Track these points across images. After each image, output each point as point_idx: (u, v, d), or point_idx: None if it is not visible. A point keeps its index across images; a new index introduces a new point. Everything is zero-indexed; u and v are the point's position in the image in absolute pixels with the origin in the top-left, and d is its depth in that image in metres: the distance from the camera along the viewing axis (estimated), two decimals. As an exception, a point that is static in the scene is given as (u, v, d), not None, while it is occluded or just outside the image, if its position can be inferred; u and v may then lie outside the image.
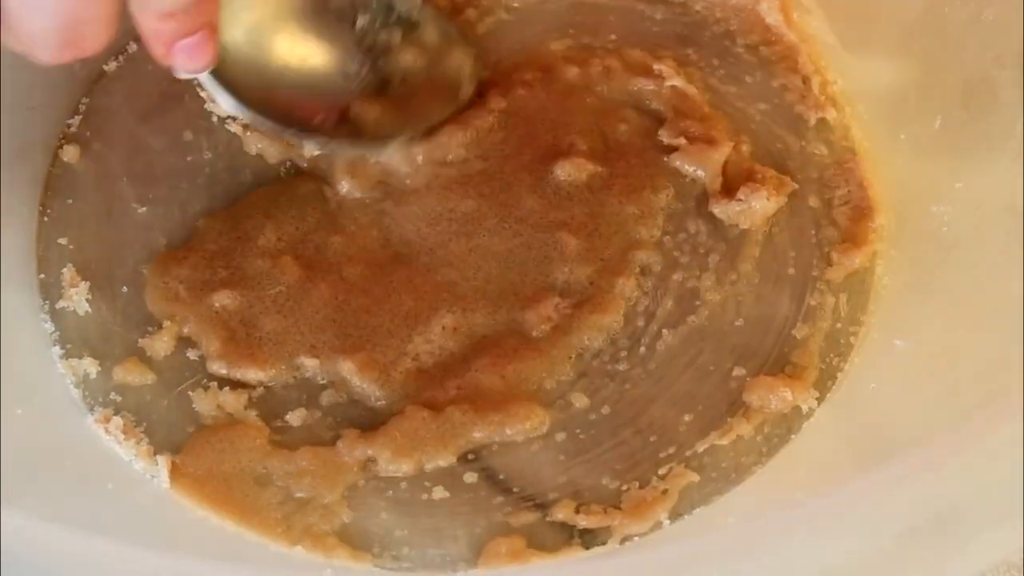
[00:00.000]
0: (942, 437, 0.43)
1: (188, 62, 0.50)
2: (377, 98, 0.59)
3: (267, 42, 0.57)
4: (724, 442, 0.54)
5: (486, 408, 0.54)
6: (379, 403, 0.55)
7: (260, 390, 0.56)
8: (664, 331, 0.57)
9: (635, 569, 0.50)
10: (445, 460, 0.54)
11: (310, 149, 0.60)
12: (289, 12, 0.58)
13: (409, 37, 0.61)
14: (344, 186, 0.59)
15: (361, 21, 0.59)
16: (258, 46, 0.56)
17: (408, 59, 0.61)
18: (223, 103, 0.55)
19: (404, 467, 0.53)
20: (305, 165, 0.61)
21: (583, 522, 0.52)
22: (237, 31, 0.55)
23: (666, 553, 0.51)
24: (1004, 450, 0.42)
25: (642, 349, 0.57)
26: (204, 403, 0.55)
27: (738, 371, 0.56)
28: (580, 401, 0.56)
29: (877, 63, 0.61)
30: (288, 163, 0.61)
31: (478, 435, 0.54)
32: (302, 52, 0.58)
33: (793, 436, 0.54)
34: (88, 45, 0.45)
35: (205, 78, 0.53)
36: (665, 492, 0.53)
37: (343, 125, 0.58)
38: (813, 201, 0.60)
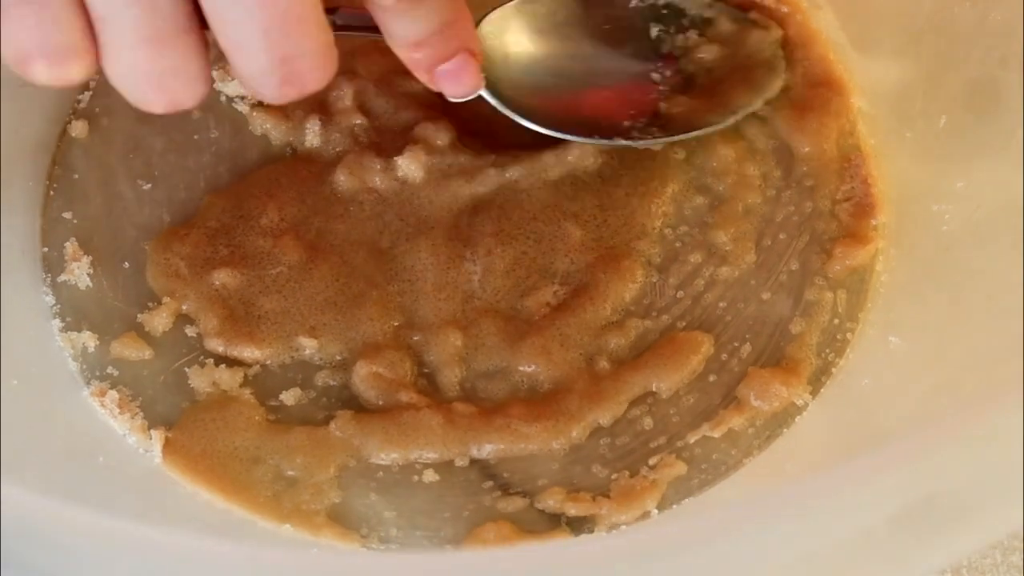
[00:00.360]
0: (932, 425, 0.43)
1: (453, 87, 0.51)
2: (685, 93, 0.61)
3: (558, 66, 0.60)
4: (715, 434, 0.54)
5: (493, 413, 0.55)
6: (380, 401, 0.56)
7: (256, 368, 0.56)
8: (663, 319, 0.57)
9: (622, 553, 0.50)
10: (438, 456, 0.54)
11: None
12: (577, 35, 0.60)
13: (706, 33, 0.62)
14: (342, 181, 0.59)
15: (655, 30, 0.62)
16: (549, 70, 0.59)
17: (710, 53, 0.62)
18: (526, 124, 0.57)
19: (393, 455, 0.53)
20: (308, 146, 0.61)
21: (571, 510, 0.52)
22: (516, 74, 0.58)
23: (653, 538, 0.51)
24: (997, 435, 0.41)
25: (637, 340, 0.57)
26: (200, 380, 0.55)
27: (732, 364, 0.56)
28: (574, 390, 0.56)
29: (885, 61, 0.61)
30: (290, 147, 0.61)
31: (486, 445, 0.54)
32: (601, 68, 0.61)
33: (785, 430, 0.54)
34: (309, 80, 0.44)
35: (497, 104, 0.56)
36: (654, 482, 0.53)
37: (653, 123, 0.60)
38: (816, 196, 0.60)
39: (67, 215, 0.60)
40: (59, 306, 0.57)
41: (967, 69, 0.56)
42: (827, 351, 0.56)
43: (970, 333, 0.52)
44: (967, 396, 0.47)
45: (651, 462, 0.54)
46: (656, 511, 0.52)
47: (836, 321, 0.57)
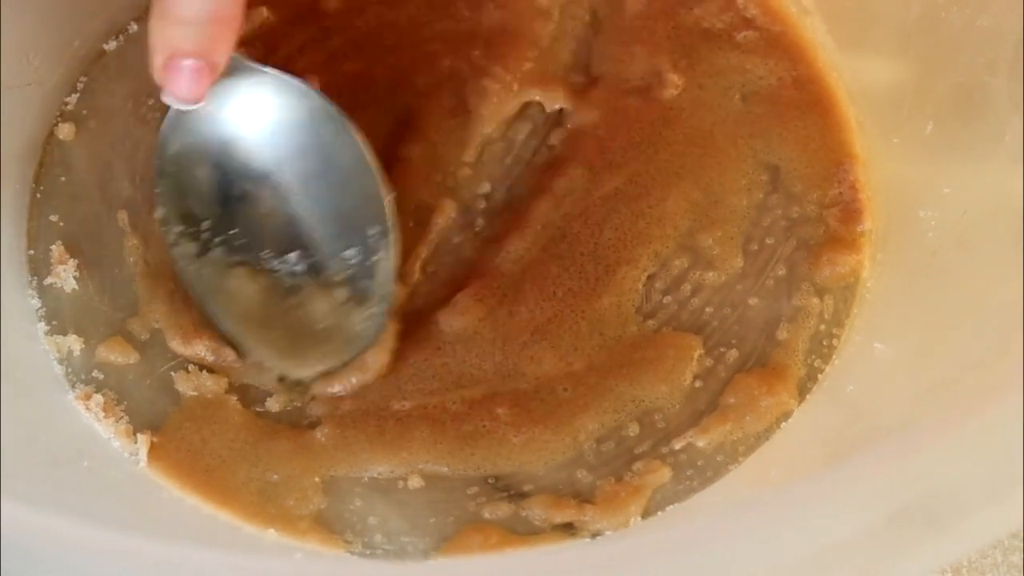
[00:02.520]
0: (918, 431, 0.43)
1: (179, 85, 0.49)
2: (264, 285, 0.56)
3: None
4: (701, 442, 0.54)
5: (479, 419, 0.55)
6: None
7: (239, 375, 0.56)
8: (648, 324, 0.57)
9: (607, 559, 0.50)
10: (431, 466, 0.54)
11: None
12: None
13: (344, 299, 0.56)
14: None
15: (350, 252, 0.55)
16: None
17: (320, 304, 0.56)
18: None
19: (379, 469, 0.54)
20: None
21: (556, 516, 0.52)
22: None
23: (638, 544, 0.51)
24: (982, 440, 0.42)
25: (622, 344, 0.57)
26: (185, 385, 0.55)
27: (719, 370, 0.56)
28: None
29: (872, 67, 0.61)
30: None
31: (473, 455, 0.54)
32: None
33: (771, 436, 0.54)
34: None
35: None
36: (639, 488, 0.53)
37: (216, 266, 0.56)
38: (803, 201, 0.60)
39: (54, 218, 0.59)
40: (44, 309, 0.57)
41: (954, 74, 0.56)
42: (813, 357, 0.56)
43: (956, 339, 0.52)
44: (952, 402, 0.47)
45: (635, 467, 0.54)
46: (640, 518, 0.52)
47: (822, 327, 0.57)
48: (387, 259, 0.54)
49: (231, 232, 0.55)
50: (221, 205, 0.55)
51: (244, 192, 0.55)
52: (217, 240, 0.55)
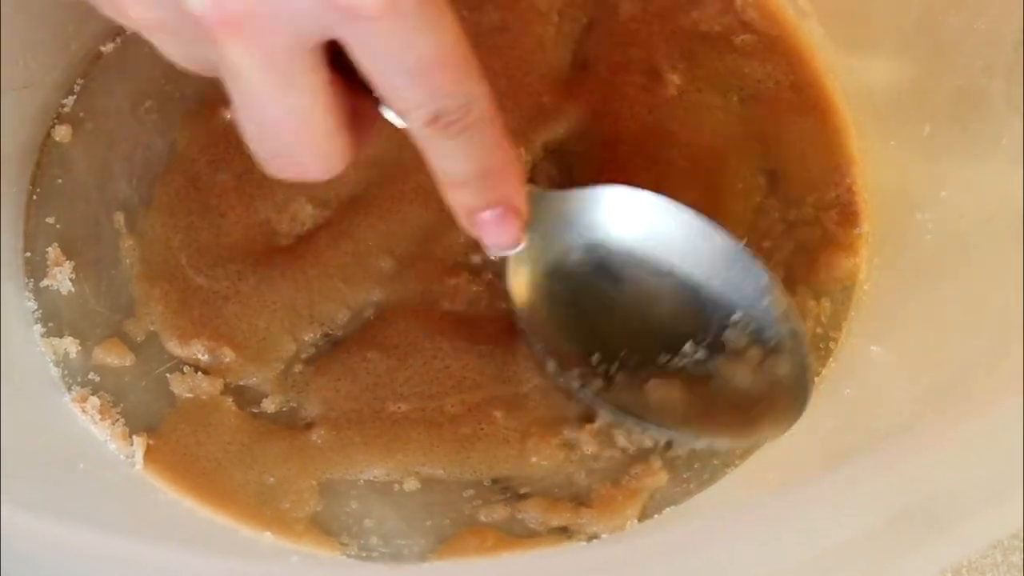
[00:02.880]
0: (914, 434, 0.44)
1: (490, 236, 0.49)
2: (682, 385, 0.54)
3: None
4: (699, 445, 0.54)
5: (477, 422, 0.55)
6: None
7: (236, 376, 0.56)
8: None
9: (603, 563, 0.50)
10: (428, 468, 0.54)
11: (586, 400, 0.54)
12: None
13: (762, 356, 0.54)
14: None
15: (736, 317, 0.54)
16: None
17: (741, 374, 0.54)
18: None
19: (375, 471, 0.54)
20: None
21: (553, 520, 0.52)
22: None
23: (636, 545, 0.51)
24: (978, 443, 0.42)
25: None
26: (181, 387, 0.55)
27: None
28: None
29: (871, 69, 0.61)
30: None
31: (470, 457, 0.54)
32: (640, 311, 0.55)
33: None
34: (311, 173, 0.44)
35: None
36: (635, 492, 0.53)
37: (626, 387, 0.54)
38: (801, 204, 0.60)
39: (50, 220, 0.59)
40: (41, 311, 0.57)
41: (952, 77, 0.56)
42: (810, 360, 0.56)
43: (953, 342, 0.51)
44: (950, 404, 0.47)
45: (633, 470, 0.53)
46: (637, 520, 0.52)
47: (819, 330, 0.57)
48: (775, 298, 0.53)
49: (622, 354, 0.54)
50: (596, 330, 0.54)
51: (613, 308, 0.54)
52: (614, 367, 0.54)
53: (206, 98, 0.61)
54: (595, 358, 0.54)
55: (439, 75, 0.41)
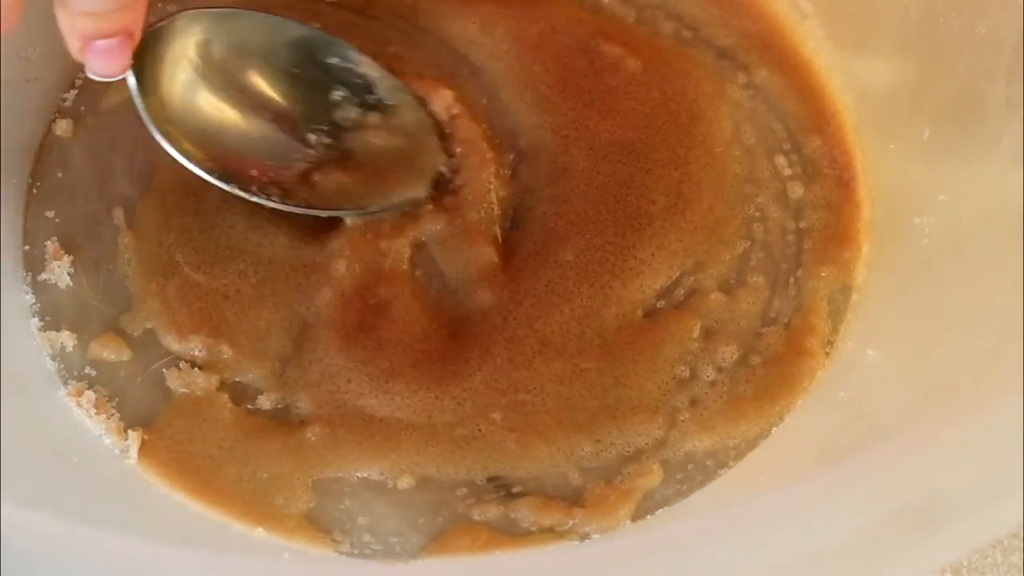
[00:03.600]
0: (908, 438, 0.44)
1: (101, 64, 0.49)
2: (338, 168, 0.58)
3: (217, 100, 0.57)
4: (691, 445, 0.54)
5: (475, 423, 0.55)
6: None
7: (232, 372, 0.56)
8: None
9: (595, 562, 0.50)
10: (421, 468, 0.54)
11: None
12: (256, 66, 0.58)
13: (387, 118, 0.60)
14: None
15: (337, 95, 0.59)
16: (206, 103, 0.57)
17: (376, 138, 0.59)
18: (170, 151, 0.55)
19: (369, 470, 0.54)
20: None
21: (545, 519, 0.52)
22: (180, 84, 0.56)
23: (628, 544, 0.51)
24: (972, 446, 0.42)
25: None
26: (176, 382, 0.55)
27: (709, 374, 0.56)
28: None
29: (872, 72, 0.61)
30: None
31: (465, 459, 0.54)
32: (258, 111, 0.58)
33: (761, 442, 0.54)
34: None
35: (149, 125, 0.54)
36: (629, 491, 0.53)
37: (300, 188, 0.58)
38: (801, 207, 0.60)
39: (50, 214, 0.59)
40: (38, 305, 0.57)
41: (952, 81, 0.56)
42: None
43: (949, 346, 0.51)
44: (945, 407, 0.47)
45: (627, 470, 0.53)
46: (630, 521, 0.52)
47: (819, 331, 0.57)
48: (365, 65, 0.59)
49: (270, 161, 0.58)
50: (238, 145, 0.57)
51: (239, 120, 0.57)
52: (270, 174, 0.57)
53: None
54: (253, 159, 0.57)
55: None
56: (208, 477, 0.53)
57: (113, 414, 0.55)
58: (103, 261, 0.58)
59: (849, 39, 0.62)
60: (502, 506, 0.53)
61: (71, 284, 0.58)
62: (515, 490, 0.53)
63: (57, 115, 0.62)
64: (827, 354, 0.56)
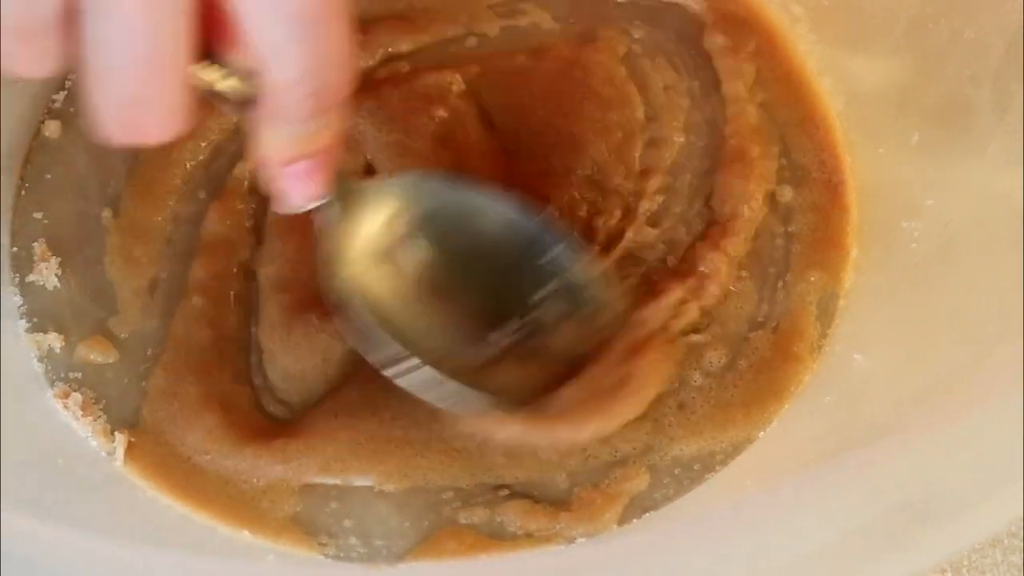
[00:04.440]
0: (894, 441, 0.44)
1: (301, 187, 0.45)
2: (516, 366, 0.53)
3: (401, 278, 0.52)
4: (678, 449, 0.54)
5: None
6: None
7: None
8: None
9: (583, 563, 0.50)
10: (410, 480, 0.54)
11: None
12: (456, 255, 0.53)
13: (579, 319, 0.54)
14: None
15: (541, 294, 0.54)
16: (387, 276, 0.52)
17: (569, 340, 0.54)
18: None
19: (361, 480, 0.53)
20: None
21: (531, 523, 0.52)
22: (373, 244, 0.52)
23: (616, 549, 0.51)
24: (958, 449, 0.42)
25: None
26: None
27: (696, 379, 0.56)
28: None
29: (861, 76, 0.61)
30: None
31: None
32: (442, 301, 0.53)
33: (748, 446, 0.54)
34: (152, 133, 0.39)
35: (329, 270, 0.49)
36: (615, 496, 0.52)
37: (471, 378, 0.51)
38: (789, 210, 0.60)
39: (38, 215, 0.59)
40: (26, 306, 0.57)
41: (941, 85, 0.56)
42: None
43: (936, 350, 0.52)
44: (931, 412, 0.47)
45: (613, 475, 0.53)
46: (616, 525, 0.52)
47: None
48: (578, 262, 0.54)
49: (449, 343, 0.53)
50: (418, 321, 0.52)
51: (431, 296, 0.53)
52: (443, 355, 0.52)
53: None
54: (424, 347, 0.50)
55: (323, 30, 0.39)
56: (194, 480, 0.53)
57: (100, 416, 0.54)
58: (91, 263, 0.58)
59: (839, 43, 0.62)
60: (489, 509, 0.53)
61: (59, 286, 0.58)
62: (502, 494, 0.53)
63: (46, 117, 0.62)
64: (815, 358, 0.56)
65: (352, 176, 0.54)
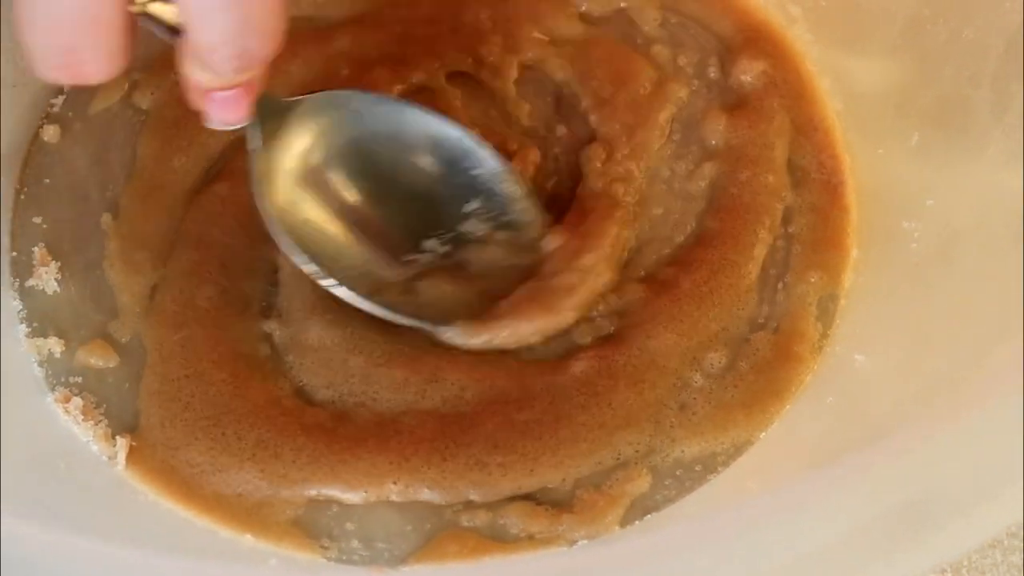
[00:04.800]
0: (895, 442, 0.44)
1: (219, 113, 0.48)
2: (447, 279, 0.57)
3: (337, 185, 0.56)
4: (679, 450, 0.54)
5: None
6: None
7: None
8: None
9: (586, 566, 0.50)
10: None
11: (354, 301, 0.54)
12: (387, 161, 0.57)
13: (509, 235, 0.58)
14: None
15: (470, 206, 0.57)
16: (322, 186, 0.56)
17: (494, 255, 0.57)
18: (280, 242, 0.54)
19: (353, 498, 0.53)
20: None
21: (534, 525, 0.52)
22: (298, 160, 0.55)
23: (617, 551, 0.51)
24: (960, 450, 0.42)
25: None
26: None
27: (698, 380, 0.56)
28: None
29: (860, 77, 0.61)
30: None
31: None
32: (376, 207, 0.56)
33: (750, 447, 0.54)
34: (88, 73, 0.43)
35: (259, 192, 0.53)
36: (616, 497, 0.52)
37: (401, 292, 0.56)
38: (790, 212, 0.60)
39: (37, 220, 0.59)
40: (26, 311, 0.57)
41: (939, 86, 0.56)
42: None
43: (937, 350, 0.52)
44: (930, 413, 0.47)
45: (615, 476, 0.53)
46: (619, 527, 0.52)
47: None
48: (510, 183, 0.57)
49: (375, 255, 0.56)
50: (347, 233, 0.56)
51: (357, 209, 0.56)
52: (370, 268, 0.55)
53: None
54: (351, 259, 0.55)
55: None
56: (195, 484, 0.53)
57: (100, 420, 0.54)
58: (90, 267, 0.58)
59: (837, 44, 0.62)
60: (491, 512, 0.53)
61: (58, 290, 0.58)
62: (504, 496, 0.53)
63: (45, 121, 0.62)
64: (816, 359, 0.56)
65: (278, 95, 0.55)
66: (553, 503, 0.53)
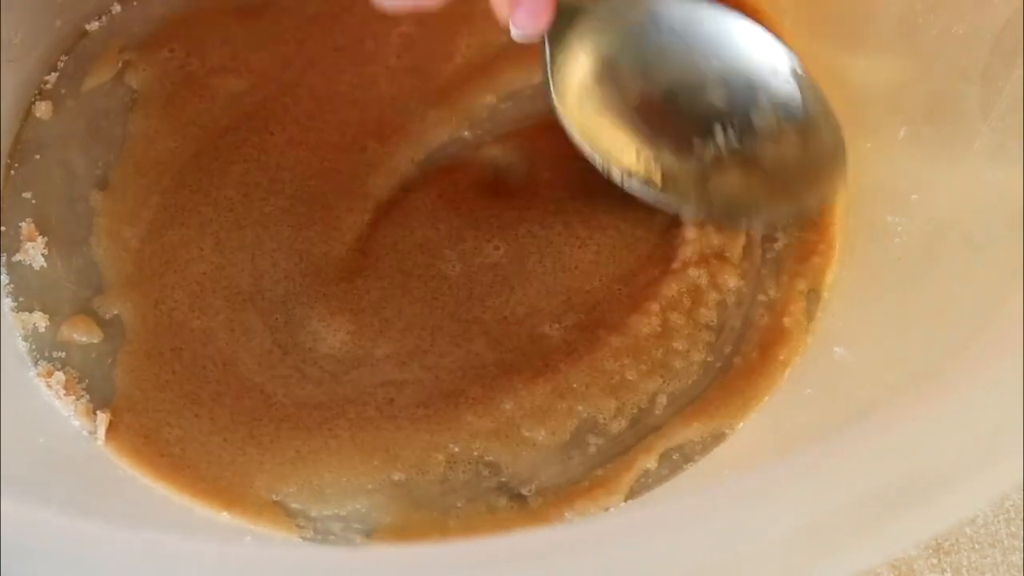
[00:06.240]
0: (872, 433, 0.44)
1: (529, 20, 0.51)
2: (739, 173, 0.57)
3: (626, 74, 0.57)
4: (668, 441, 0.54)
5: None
6: None
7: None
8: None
9: (582, 540, 0.50)
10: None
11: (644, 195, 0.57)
12: (677, 52, 0.57)
13: (798, 131, 0.58)
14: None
15: (764, 97, 0.58)
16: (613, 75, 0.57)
17: (788, 150, 0.58)
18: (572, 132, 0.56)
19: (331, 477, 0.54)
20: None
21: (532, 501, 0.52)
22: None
23: (616, 525, 0.51)
24: (936, 443, 0.42)
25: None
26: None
27: (678, 369, 0.56)
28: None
29: (849, 71, 0.61)
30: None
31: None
32: (667, 97, 0.57)
33: (728, 435, 0.54)
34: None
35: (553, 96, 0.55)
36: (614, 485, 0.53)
37: (692, 186, 0.57)
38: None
39: (26, 195, 0.60)
40: (12, 285, 0.57)
41: (928, 81, 0.56)
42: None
43: (915, 345, 0.51)
44: (908, 406, 0.47)
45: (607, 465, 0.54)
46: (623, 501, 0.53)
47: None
48: (799, 75, 0.58)
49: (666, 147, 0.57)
50: (636, 127, 0.57)
51: (647, 103, 0.57)
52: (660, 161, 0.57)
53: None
54: (642, 154, 0.56)
55: None
56: (175, 460, 0.53)
57: (82, 396, 0.55)
58: (77, 243, 0.58)
59: (827, 38, 0.62)
60: (479, 489, 0.53)
61: (45, 265, 0.58)
62: (483, 473, 0.53)
63: (37, 97, 0.62)
64: (797, 351, 0.56)
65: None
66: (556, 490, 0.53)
